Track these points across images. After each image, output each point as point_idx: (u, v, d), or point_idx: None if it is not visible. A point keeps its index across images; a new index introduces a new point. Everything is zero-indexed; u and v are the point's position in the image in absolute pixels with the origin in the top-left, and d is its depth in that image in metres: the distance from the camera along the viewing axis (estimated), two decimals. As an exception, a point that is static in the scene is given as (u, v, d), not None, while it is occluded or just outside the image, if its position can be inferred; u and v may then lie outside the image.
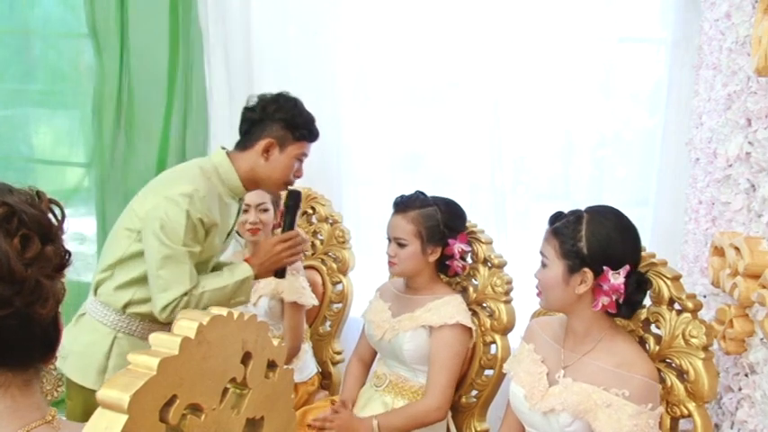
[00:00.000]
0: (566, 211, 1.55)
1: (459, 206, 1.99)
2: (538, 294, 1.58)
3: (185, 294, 1.73)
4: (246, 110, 1.91)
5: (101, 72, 2.83)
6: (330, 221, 2.53)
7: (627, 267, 1.45)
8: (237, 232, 2.20)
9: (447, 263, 1.97)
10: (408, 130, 2.69)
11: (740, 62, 1.63)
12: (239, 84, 2.67)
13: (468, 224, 2.03)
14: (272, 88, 2.64)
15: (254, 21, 2.63)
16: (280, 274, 1.93)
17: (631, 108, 2.51)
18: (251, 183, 1.90)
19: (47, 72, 2.97)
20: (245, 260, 1.88)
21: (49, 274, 0.84)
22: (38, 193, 0.88)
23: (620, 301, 1.46)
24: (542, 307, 1.67)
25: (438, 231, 1.91)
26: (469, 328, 1.92)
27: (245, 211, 2.25)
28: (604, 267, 1.44)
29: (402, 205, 1.94)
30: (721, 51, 1.79)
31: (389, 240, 1.95)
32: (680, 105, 2.27)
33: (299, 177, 1.93)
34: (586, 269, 1.45)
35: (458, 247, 1.94)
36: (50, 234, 0.85)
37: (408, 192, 1.98)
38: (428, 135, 2.67)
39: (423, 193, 1.96)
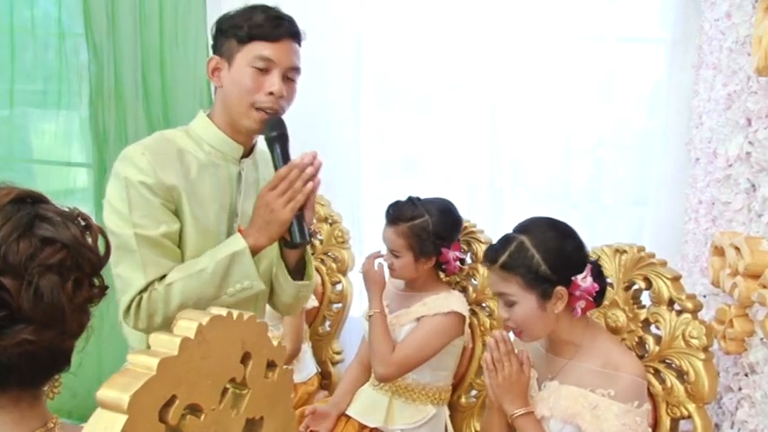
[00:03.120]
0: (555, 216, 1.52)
1: (453, 212, 1.95)
2: (517, 334, 1.49)
3: (144, 290, 1.34)
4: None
5: (98, 72, 2.83)
6: (329, 221, 2.53)
7: (589, 266, 1.44)
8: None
9: (444, 267, 1.97)
10: (407, 130, 2.68)
11: (740, 62, 1.63)
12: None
13: (467, 224, 2.03)
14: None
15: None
16: (295, 236, 1.39)
17: (631, 108, 2.51)
18: (232, 129, 1.46)
19: (45, 72, 2.97)
20: (238, 230, 1.43)
21: (89, 314, 0.83)
22: (83, 217, 0.85)
23: (593, 297, 1.45)
24: (526, 341, 1.54)
25: (430, 243, 1.89)
26: (462, 317, 1.91)
27: None
28: (573, 277, 1.42)
29: (393, 216, 1.90)
30: (721, 51, 1.79)
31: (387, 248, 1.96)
32: (680, 105, 2.27)
33: (273, 94, 1.40)
34: (559, 287, 1.42)
35: (452, 255, 1.93)
36: (99, 272, 0.84)
37: (407, 192, 1.97)
38: (427, 135, 2.67)
39: (415, 200, 1.91)
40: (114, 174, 1.37)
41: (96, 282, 0.84)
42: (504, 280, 1.44)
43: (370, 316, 1.93)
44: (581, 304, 1.44)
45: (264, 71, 1.40)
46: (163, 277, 1.37)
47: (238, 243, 1.37)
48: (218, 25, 1.46)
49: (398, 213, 1.89)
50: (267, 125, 1.42)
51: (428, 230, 1.87)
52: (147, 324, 1.37)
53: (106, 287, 0.86)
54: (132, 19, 2.77)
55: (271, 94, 1.40)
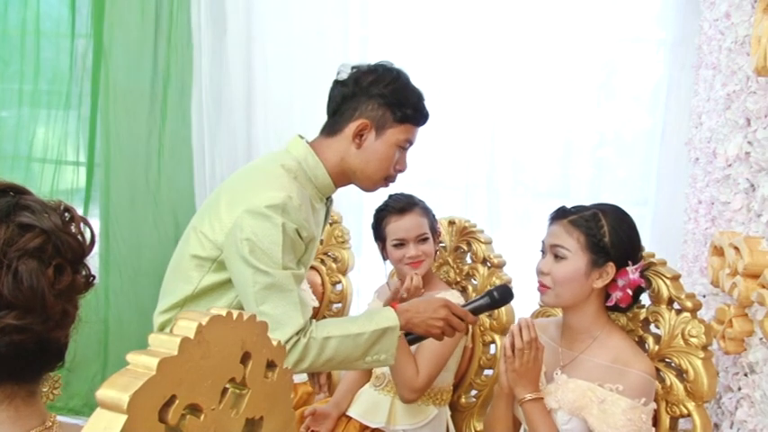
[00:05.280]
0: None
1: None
2: (544, 288, 1.51)
3: (300, 332, 1.37)
4: (337, 83, 1.53)
5: (104, 72, 2.84)
6: (330, 221, 2.53)
7: (642, 263, 1.49)
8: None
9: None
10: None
11: (739, 62, 1.63)
12: (238, 83, 2.68)
13: (466, 224, 2.04)
14: (273, 88, 2.67)
15: (255, 22, 2.63)
16: (414, 339, 1.57)
17: (631, 108, 2.52)
18: (340, 177, 1.53)
19: (47, 72, 2.98)
20: (392, 305, 1.50)
21: (75, 303, 0.84)
22: (67, 208, 0.86)
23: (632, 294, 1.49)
24: (548, 303, 1.59)
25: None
26: None
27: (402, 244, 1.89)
28: (628, 262, 1.46)
29: (408, 205, 1.92)
30: (721, 51, 1.79)
31: (403, 244, 1.90)
32: (679, 105, 2.27)
33: (401, 171, 1.56)
34: (611, 264, 1.46)
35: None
36: (81, 260, 0.85)
37: (406, 192, 1.98)
38: (427, 135, 2.66)
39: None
40: (262, 215, 1.39)
41: (83, 271, 0.85)
42: (567, 233, 1.48)
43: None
44: (618, 294, 1.48)
45: (404, 150, 1.54)
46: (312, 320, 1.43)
47: (394, 319, 1.46)
48: (367, 85, 1.49)
49: (409, 200, 1.94)
50: (503, 292, 1.58)
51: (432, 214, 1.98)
52: (290, 366, 1.37)
53: (93, 277, 0.86)
54: (135, 20, 2.79)
55: (399, 170, 1.56)
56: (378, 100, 1.48)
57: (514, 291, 1.95)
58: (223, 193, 1.51)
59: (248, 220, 1.39)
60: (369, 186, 1.58)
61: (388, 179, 1.55)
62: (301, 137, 1.55)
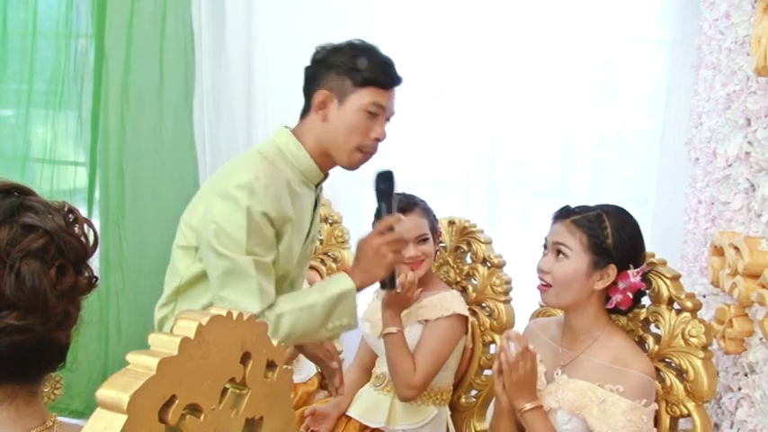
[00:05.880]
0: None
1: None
2: (545, 288, 1.51)
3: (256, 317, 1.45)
4: (305, 69, 1.54)
5: (105, 72, 2.84)
6: (330, 221, 2.53)
7: (644, 266, 1.48)
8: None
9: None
10: (407, 129, 2.68)
11: (739, 62, 1.63)
12: (238, 83, 2.68)
13: (466, 224, 2.04)
14: (273, 88, 2.67)
15: (256, 21, 2.63)
16: (388, 283, 1.53)
17: (631, 108, 2.52)
18: (323, 158, 1.51)
19: (45, 72, 2.98)
20: (344, 270, 1.52)
21: (78, 304, 0.84)
22: (70, 209, 0.86)
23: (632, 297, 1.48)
24: (548, 302, 1.58)
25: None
26: (465, 317, 1.91)
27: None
28: (630, 265, 1.46)
29: (408, 205, 1.91)
30: (720, 51, 1.79)
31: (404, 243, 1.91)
32: (679, 105, 2.27)
33: (379, 140, 1.50)
34: (612, 266, 1.45)
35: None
36: (84, 261, 0.85)
37: (406, 191, 1.98)
38: (427, 134, 2.67)
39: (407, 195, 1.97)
40: (228, 197, 1.39)
41: (85, 272, 0.85)
42: (570, 232, 1.48)
43: (388, 334, 1.85)
44: (618, 297, 1.47)
45: (374, 116, 1.48)
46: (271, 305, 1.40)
47: (347, 283, 1.45)
48: (325, 58, 1.49)
49: (411, 200, 1.93)
50: (380, 177, 1.51)
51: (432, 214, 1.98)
52: None
53: (95, 278, 0.87)
54: (136, 20, 2.79)
55: (377, 140, 1.50)
56: (337, 69, 1.47)
57: (514, 291, 1.97)
58: (205, 183, 1.55)
59: (217, 203, 1.40)
60: (345, 159, 1.52)
61: (363, 149, 1.50)
62: (286, 126, 1.56)
